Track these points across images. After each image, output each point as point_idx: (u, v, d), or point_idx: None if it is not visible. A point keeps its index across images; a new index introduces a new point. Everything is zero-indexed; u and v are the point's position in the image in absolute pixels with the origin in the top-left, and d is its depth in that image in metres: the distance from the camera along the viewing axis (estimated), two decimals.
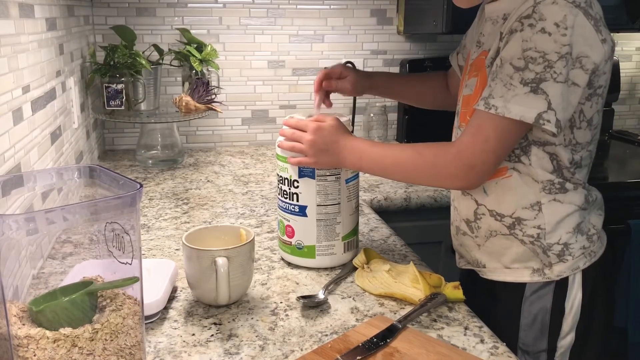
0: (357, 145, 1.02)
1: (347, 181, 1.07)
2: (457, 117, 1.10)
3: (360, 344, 0.83)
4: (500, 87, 0.91)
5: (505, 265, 1.05)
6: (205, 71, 1.87)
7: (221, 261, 0.90)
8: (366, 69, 2.13)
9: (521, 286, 1.03)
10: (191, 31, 1.92)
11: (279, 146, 1.06)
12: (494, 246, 1.05)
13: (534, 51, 0.88)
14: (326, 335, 0.88)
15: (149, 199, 1.51)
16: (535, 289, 1.02)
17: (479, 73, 1.00)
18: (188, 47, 1.85)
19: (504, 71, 0.90)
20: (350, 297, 1.00)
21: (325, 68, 1.23)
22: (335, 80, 1.21)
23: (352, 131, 1.18)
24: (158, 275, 0.97)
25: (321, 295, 0.97)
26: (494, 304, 1.07)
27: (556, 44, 0.87)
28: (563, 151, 0.96)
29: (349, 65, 1.27)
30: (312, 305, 0.96)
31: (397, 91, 1.32)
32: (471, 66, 1.06)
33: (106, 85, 1.70)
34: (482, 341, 0.86)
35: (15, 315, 0.67)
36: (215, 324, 0.91)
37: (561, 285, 1.01)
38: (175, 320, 0.92)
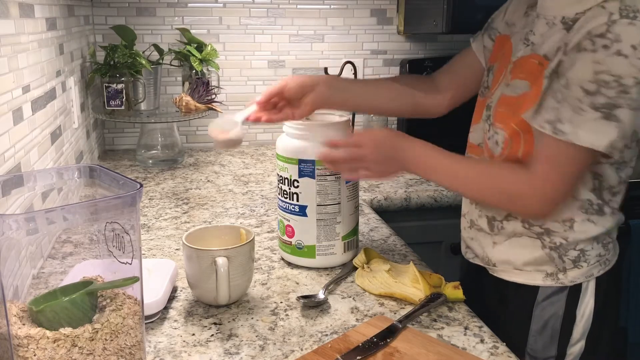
0: (423, 153, 0.97)
1: (347, 181, 1.07)
2: (489, 111, 1.04)
3: (360, 344, 0.83)
4: (568, 111, 0.86)
5: (516, 266, 1.03)
6: (205, 71, 1.87)
7: (221, 261, 0.91)
8: (366, 69, 2.13)
9: (533, 290, 1.01)
10: (191, 31, 1.92)
11: (327, 163, 0.98)
12: (511, 247, 1.02)
13: (607, 75, 0.83)
14: (326, 335, 0.88)
15: (149, 199, 1.51)
16: (547, 294, 1.00)
17: (534, 81, 0.94)
18: (188, 47, 1.85)
19: (572, 94, 0.86)
20: (350, 297, 1.00)
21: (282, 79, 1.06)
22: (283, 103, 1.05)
23: (352, 131, 1.17)
24: (158, 275, 0.97)
25: (321, 295, 0.97)
26: (503, 306, 1.05)
27: (633, 68, 0.82)
28: (608, 169, 0.94)
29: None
30: (312, 305, 0.96)
31: (362, 98, 1.12)
32: (515, 65, 1.00)
33: (106, 85, 1.70)
34: (482, 341, 0.86)
35: (15, 315, 0.67)
36: (215, 323, 0.91)
37: (574, 292, 0.99)
38: (175, 320, 0.92)
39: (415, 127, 2.07)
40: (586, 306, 0.99)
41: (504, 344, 0.86)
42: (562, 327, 1.00)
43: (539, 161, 0.92)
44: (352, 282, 1.05)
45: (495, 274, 1.07)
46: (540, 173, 0.91)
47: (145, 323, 0.87)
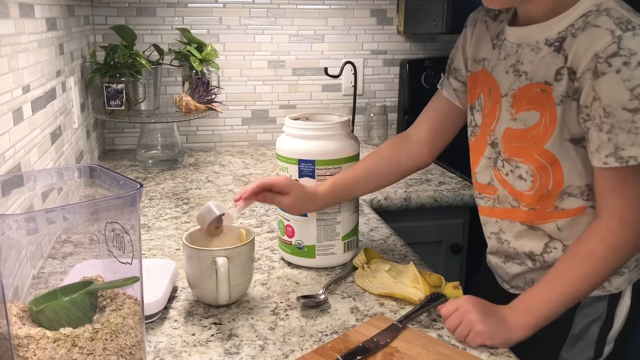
0: (522, 298, 0.91)
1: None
2: (495, 148, 1.02)
3: (360, 344, 0.83)
4: (625, 137, 0.84)
5: None
6: (205, 71, 1.87)
7: (221, 261, 0.91)
8: (366, 69, 2.13)
9: None
10: (191, 31, 1.92)
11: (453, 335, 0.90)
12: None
13: None
14: (326, 335, 0.88)
15: (149, 199, 1.51)
16: (589, 301, 0.99)
17: (543, 109, 0.93)
18: (188, 47, 1.85)
19: (620, 119, 0.84)
20: (350, 297, 1.00)
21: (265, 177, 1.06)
22: (273, 195, 1.04)
23: (352, 131, 1.17)
24: (158, 275, 0.97)
25: (321, 295, 0.97)
26: None
27: None
28: None
29: (295, 180, 1.07)
30: (312, 305, 0.96)
31: (352, 192, 1.11)
32: (516, 97, 0.97)
33: (106, 85, 1.70)
34: None
35: (15, 315, 0.67)
36: (215, 323, 0.91)
37: (614, 297, 0.99)
38: (176, 320, 0.92)
39: None
40: (623, 308, 0.99)
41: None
42: (599, 331, 0.99)
43: (609, 199, 0.89)
44: (352, 282, 1.05)
45: None
46: (614, 210, 0.88)
47: (146, 323, 0.87)
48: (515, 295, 1.02)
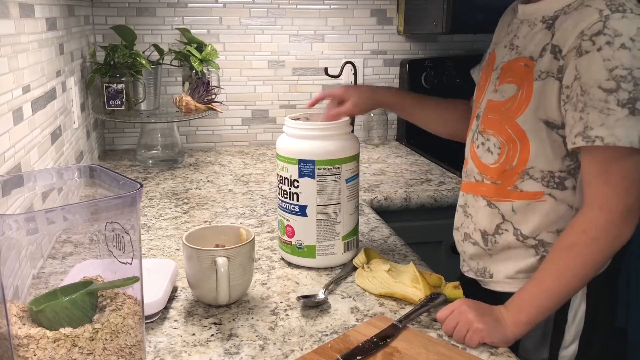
0: (512, 300, 0.90)
1: (347, 181, 1.07)
2: (477, 120, 1.03)
3: (360, 344, 0.83)
4: (595, 115, 0.83)
5: (509, 276, 1.01)
6: (205, 71, 1.87)
7: (221, 261, 0.91)
8: (366, 69, 2.13)
9: None
10: (191, 31, 1.92)
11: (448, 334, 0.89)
12: (506, 258, 1.01)
13: (621, 69, 0.82)
14: (326, 335, 0.88)
15: (149, 199, 1.51)
16: None
17: (521, 83, 0.94)
18: (188, 47, 1.85)
19: (593, 97, 0.83)
20: (350, 297, 1.00)
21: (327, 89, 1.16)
22: (335, 107, 1.14)
23: (352, 131, 1.17)
24: (158, 275, 0.97)
25: (321, 295, 0.97)
26: None
27: (636, 60, 0.82)
28: None
29: (351, 84, 1.16)
30: (312, 305, 0.96)
31: (411, 112, 1.22)
32: (503, 70, 0.99)
33: (106, 85, 1.70)
34: None
35: (15, 315, 0.67)
36: (215, 323, 0.91)
37: None
38: (176, 320, 0.92)
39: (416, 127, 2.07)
40: (577, 308, 0.98)
41: None
42: (553, 329, 0.99)
43: (591, 188, 0.87)
44: (352, 282, 1.05)
45: (487, 287, 1.06)
46: (594, 196, 0.87)
47: (145, 323, 0.87)
48: (472, 281, 1.08)
